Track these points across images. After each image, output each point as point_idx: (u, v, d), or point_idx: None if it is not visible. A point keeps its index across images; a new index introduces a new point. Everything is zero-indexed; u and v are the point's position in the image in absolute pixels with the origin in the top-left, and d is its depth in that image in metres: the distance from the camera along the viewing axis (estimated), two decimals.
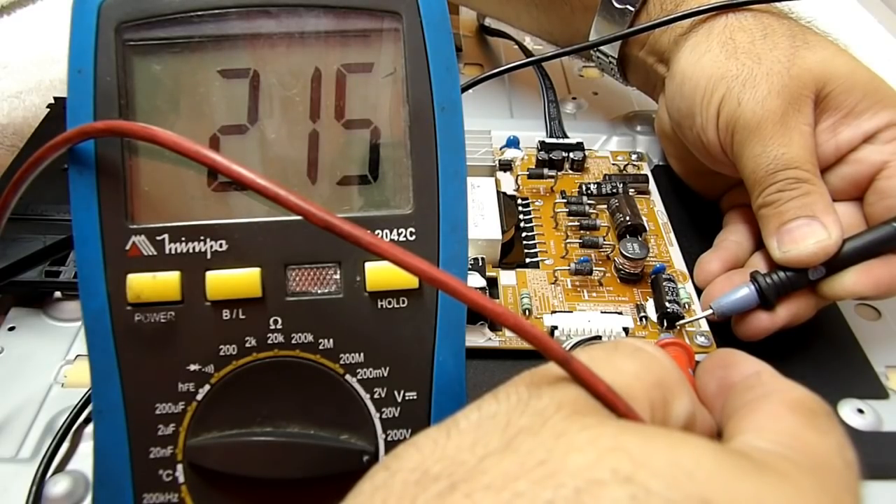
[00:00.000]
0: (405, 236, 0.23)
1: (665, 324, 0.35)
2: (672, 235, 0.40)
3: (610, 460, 0.14)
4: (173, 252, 0.22)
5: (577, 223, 0.40)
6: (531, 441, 0.15)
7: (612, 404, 0.17)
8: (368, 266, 0.23)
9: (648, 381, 0.18)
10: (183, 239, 0.22)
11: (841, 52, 0.35)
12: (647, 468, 0.14)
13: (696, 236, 0.41)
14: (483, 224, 0.37)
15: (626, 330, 0.34)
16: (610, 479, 0.14)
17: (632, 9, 0.40)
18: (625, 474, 0.14)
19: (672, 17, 0.38)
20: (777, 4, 0.37)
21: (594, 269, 0.37)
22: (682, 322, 0.35)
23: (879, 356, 0.35)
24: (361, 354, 0.23)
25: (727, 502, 0.14)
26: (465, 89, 0.41)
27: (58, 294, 0.36)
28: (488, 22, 0.60)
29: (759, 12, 0.36)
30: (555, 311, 0.35)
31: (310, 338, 0.23)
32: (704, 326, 0.35)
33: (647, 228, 0.40)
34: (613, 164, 0.45)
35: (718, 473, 0.15)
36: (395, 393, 0.23)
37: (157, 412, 0.22)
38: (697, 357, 0.31)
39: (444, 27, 0.23)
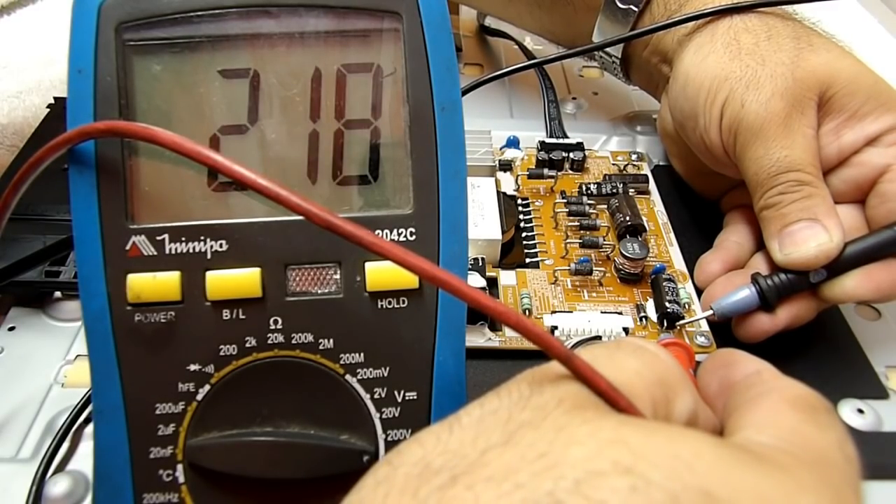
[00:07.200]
0: (405, 236, 0.23)
1: (665, 324, 0.35)
2: (672, 235, 0.40)
3: (610, 452, 0.15)
4: (173, 252, 0.22)
5: (577, 223, 0.40)
6: (532, 434, 0.15)
7: (614, 401, 0.17)
8: (368, 266, 0.23)
9: (650, 379, 0.18)
10: (183, 239, 0.22)
11: (845, 54, 0.35)
12: (648, 460, 0.14)
13: (697, 236, 0.41)
14: (483, 224, 0.37)
15: (626, 330, 0.34)
16: (610, 471, 0.14)
17: (635, 9, 0.40)
18: (625, 465, 0.14)
19: (677, 19, 0.38)
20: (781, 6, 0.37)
21: (594, 269, 0.37)
22: (682, 322, 0.35)
23: (879, 356, 0.35)
24: (361, 354, 0.23)
25: (727, 494, 0.14)
26: (465, 92, 0.41)
27: (58, 294, 0.36)
28: (488, 22, 0.60)
29: (764, 14, 0.36)
30: (555, 312, 0.35)
31: (310, 338, 0.23)
32: (704, 327, 0.35)
33: (647, 228, 0.40)
34: (613, 164, 0.45)
35: (719, 465, 0.15)
36: (396, 393, 0.23)
37: (157, 412, 0.22)
38: (697, 357, 0.31)
39: (444, 27, 0.23)
